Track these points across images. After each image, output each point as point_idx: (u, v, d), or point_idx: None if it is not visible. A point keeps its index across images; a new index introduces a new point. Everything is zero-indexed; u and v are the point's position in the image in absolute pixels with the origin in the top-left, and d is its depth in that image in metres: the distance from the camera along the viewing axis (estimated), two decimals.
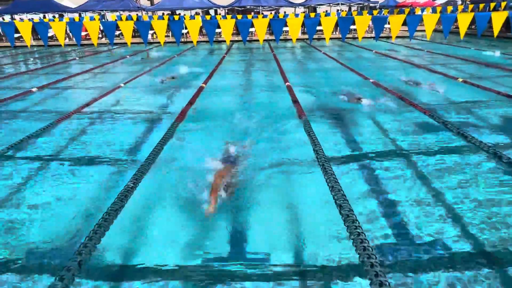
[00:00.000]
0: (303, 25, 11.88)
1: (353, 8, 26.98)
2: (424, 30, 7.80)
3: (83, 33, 18.40)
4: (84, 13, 24.43)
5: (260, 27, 7.48)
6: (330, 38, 17.67)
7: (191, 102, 6.53)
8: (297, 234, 2.81)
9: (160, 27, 7.12)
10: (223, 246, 2.69)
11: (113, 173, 3.94)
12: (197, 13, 26.24)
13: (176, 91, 8.09)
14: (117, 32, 18.89)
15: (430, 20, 7.31)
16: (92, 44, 16.92)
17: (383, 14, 22.11)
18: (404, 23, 13.64)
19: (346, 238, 2.60)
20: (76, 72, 10.60)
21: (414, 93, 7.17)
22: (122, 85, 8.32)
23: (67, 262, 2.31)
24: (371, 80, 8.09)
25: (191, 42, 18.00)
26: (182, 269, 2.49)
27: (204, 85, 8.08)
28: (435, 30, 19.62)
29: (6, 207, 3.28)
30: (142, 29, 7.52)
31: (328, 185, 3.33)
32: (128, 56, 14.67)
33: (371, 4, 26.00)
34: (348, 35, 18.02)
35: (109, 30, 7.37)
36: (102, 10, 24.52)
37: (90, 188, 3.61)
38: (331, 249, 2.61)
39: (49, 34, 18.48)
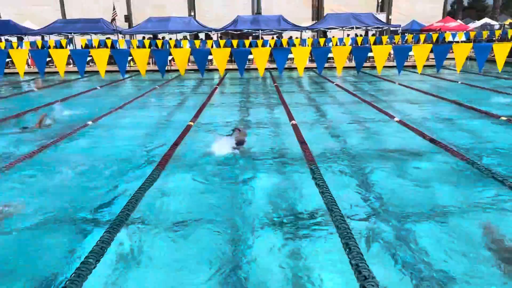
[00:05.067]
0: (311, 52, 12.33)
1: (370, 33, 28.08)
2: (453, 58, 8.08)
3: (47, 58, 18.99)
4: (48, 36, 25.11)
5: (260, 58, 7.70)
6: (344, 67, 18.25)
7: (176, 143, 6.56)
8: None
9: (140, 57, 7.30)
10: None
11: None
12: (184, 37, 27.22)
13: (159, 129, 8.16)
14: (89, 58, 19.49)
15: (461, 51, 7.57)
16: (58, 72, 17.44)
17: (406, 40, 23.00)
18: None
19: None
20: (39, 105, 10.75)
21: (447, 133, 7.26)
22: (90, 123, 8.41)
23: None
24: (396, 119, 8.22)
25: (177, 70, 18.51)
26: None
27: (192, 123, 8.17)
28: (469, 58, 20.34)
29: None
30: (119, 58, 7.71)
31: (347, 256, 3.26)
32: (98, 87, 15.01)
33: (392, 28, 27.21)
34: (365, 64, 18.61)
35: (80, 60, 7.57)
36: (70, 33, 25.27)
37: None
38: None
39: (7, 60, 19.04)
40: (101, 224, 4.01)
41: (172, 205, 4.57)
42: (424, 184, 4.99)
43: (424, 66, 16.05)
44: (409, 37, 23.43)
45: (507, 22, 29.21)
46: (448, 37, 21.86)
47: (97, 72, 18.15)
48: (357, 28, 25.49)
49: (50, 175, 5.52)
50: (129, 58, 16.80)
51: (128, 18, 32.02)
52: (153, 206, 4.45)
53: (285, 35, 27.88)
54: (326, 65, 19.69)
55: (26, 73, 19.94)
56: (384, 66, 16.27)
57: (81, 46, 24.09)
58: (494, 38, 24.03)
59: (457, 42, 22.16)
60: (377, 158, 6.10)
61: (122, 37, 25.62)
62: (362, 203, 4.49)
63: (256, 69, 17.42)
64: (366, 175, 5.38)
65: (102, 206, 4.51)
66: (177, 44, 22.41)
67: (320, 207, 4.20)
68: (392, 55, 19.73)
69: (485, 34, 23.56)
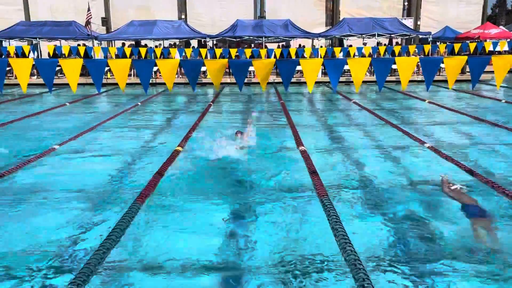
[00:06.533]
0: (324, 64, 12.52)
1: (395, 41, 28.40)
2: (492, 71, 8.13)
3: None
4: (7, 41, 25.35)
5: (262, 71, 7.76)
6: (364, 81, 18.43)
7: (160, 173, 6.56)
8: None
9: (120, 69, 7.33)
10: None
11: None
12: (173, 44, 27.56)
13: (140, 155, 8.19)
14: (58, 68, 19.69)
15: (501, 64, 7.60)
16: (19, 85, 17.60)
17: (438, 50, 23.18)
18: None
19: None
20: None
21: (488, 163, 7.26)
22: (56, 147, 8.46)
23: None
24: (427, 145, 8.24)
25: (164, 83, 18.67)
26: None
27: (180, 148, 8.20)
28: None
29: None
30: (94, 70, 7.68)
31: None
32: (67, 104, 15.14)
33: (420, 36, 27.51)
34: (389, 77, 18.71)
35: (47, 72, 7.55)
36: (35, 38, 25.49)
37: None
38: None
39: None
40: (66, 273, 3.98)
41: (153, 248, 4.53)
42: (462, 225, 4.95)
43: (460, 81, 16.21)
44: (441, 46, 23.59)
45: None
46: (488, 46, 22.03)
47: (66, 84, 18.36)
48: (379, 35, 25.76)
49: (4, 211, 5.52)
50: (106, 68, 17.06)
51: (105, 21, 32.47)
52: (131, 249, 4.42)
53: (294, 44, 28.17)
54: (343, 78, 19.91)
55: None
56: (411, 81, 16.50)
57: (48, 54, 24.35)
58: None
59: (499, 52, 22.34)
60: (404, 192, 6.09)
61: (98, 43, 25.87)
62: (386, 249, 4.46)
63: (258, 83, 17.58)
64: (391, 213, 5.36)
65: (69, 249, 4.47)
66: (164, 53, 22.57)
67: (334, 254, 4.17)
68: (418, 66, 19.96)
69: None
